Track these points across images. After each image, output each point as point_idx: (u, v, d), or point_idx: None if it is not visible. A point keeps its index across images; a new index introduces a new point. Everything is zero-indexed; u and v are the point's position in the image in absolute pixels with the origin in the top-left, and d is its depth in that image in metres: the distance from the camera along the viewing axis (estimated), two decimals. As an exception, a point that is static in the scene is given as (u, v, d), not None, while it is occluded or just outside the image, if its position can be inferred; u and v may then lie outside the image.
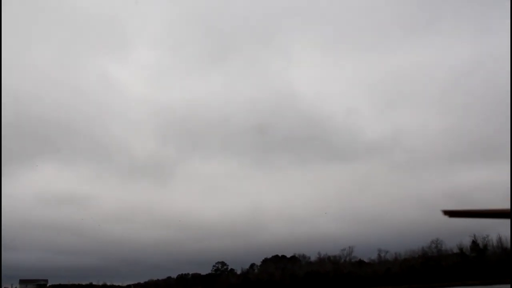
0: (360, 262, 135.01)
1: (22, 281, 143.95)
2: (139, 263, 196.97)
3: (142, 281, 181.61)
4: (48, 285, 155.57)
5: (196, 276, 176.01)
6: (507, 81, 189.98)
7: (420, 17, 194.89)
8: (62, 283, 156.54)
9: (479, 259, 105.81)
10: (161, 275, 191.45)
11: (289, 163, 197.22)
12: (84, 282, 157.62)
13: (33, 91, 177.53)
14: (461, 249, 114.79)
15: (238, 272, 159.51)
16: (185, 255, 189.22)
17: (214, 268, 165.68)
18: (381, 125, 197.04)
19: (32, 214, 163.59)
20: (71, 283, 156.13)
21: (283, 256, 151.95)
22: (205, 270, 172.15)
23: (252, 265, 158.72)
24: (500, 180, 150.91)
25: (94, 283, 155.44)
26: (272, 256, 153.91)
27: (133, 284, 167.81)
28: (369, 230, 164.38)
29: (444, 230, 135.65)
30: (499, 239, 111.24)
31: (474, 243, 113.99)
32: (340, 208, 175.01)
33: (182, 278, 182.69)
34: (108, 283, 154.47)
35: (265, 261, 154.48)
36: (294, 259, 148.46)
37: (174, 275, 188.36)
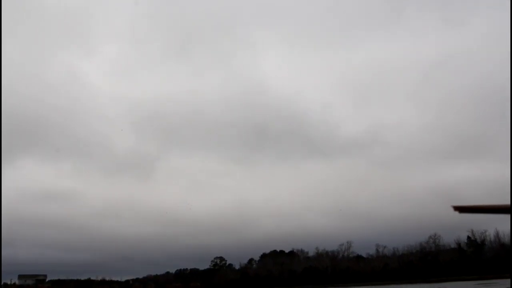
0: (358, 258, 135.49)
1: (21, 276, 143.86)
2: (134, 259, 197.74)
3: (140, 277, 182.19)
4: (47, 280, 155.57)
5: (195, 272, 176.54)
6: (478, 74, 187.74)
7: (386, 10, 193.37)
8: (60, 278, 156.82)
9: (477, 255, 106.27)
10: (159, 271, 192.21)
11: (269, 159, 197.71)
12: (78, 278, 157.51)
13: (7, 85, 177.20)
14: (458, 244, 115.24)
15: (237, 267, 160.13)
16: (180, 250, 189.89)
17: (213, 263, 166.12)
18: (358, 120, 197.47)
19: (18, 210, 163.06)
20: (69, 278, 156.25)
21: (281, 251, 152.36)
22: (204, 266, 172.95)
23: (251, 260, 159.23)
24: (484, 176, 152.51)
25: (92, 278, 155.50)
26: (270, 252, 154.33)
27: (131, 280, 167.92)
28: (357, 225, 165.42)
29: (442, 225, 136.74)
30: (497, 235, 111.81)
31: (471, 238, 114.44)
32: (327, 203, 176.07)
33: (181, 273, 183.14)
34: (107, 279, 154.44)
35: (264, 256, 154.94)
36: (292, 254, 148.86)
37: (172, 270, 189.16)
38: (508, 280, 64.83)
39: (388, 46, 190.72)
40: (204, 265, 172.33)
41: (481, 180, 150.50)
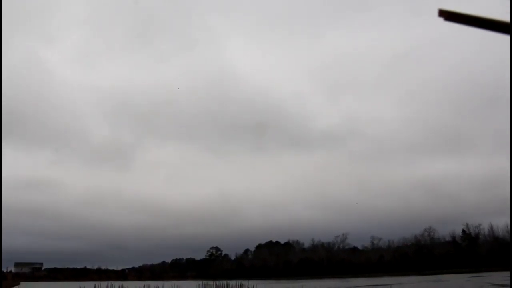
0: (354, 249, 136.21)
1: (17, 264, 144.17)
2: (127, 248, 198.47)
3: (136, 266, 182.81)
4: (43, 268, 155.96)
5: (191, 261, 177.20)
6: (450, 65, 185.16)
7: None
8: (57, 267, 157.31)
9: (471, 248, 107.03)
10: (155, 260, 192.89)
11: (244, 149, 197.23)
12: (74, 267, 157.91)
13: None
14: (453, 237, 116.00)
15: (232, 257, 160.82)
16: (170, 240, 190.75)
17: (208, 253, 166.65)
18: (331, 113, 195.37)
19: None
20: (65, 267, 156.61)
21: (277, 242, 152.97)
22: (199, 256, 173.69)
23: (246, 251, 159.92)
24: (465, 170, 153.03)
25: (88, 267, 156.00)
26: (266, 242, 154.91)
27: (127, 269, 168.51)
28: (339, 218, 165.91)
29: (437, 218, 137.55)
30: (491, 228, 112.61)
31: (466, 232, 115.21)
32: (311, 195, 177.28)
33: (177, 263, 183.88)
34: (103, 267, 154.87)
35: (259, 247, 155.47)
36: (288, 245, 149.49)
37: (168, 260, 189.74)
38: (502, 274, 65.36)
39: (354, 36, 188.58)
40: (200, 255, 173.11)
41: (461, 175, 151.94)
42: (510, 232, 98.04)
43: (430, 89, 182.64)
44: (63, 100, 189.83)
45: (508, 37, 2.74)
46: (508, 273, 62.83)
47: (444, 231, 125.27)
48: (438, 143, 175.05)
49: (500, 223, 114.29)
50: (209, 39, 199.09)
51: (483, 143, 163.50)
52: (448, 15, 2.82)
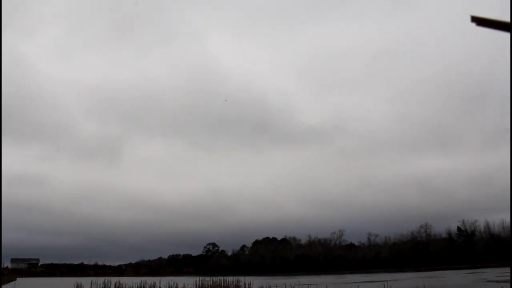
0: (350, 246, 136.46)
1: (13, 260, 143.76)
2: (121, 244, 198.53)
3: (133, 262, 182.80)
4: (39, 264, 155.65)
5: (187, 257, 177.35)
6: (432, 63, 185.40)
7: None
8: (53, 262, 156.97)
9: (467, 244, 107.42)
10: (151, 256, 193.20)
11: (232, 145, 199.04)
12: (71, 262, 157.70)
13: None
14: (449, 234, 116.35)
15: (229, 253, 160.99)
16: (164, 236, 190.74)
17: (205, 249, 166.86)
18: (319, 109, 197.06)
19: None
20: (62, 262, 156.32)
21: (274, 239, 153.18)
22: (196, 252, 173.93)
23: (243, 247, 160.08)
24: (454, 167, 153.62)
25: (85, 263, 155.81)
26: (263, 238, 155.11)
27: (124, 265, 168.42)
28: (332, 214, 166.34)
29: (433, 215, 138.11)
30: (487, 225, 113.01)
31: (461, 229, 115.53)
32: (302, 191, 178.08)
33: (173, 259, 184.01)
34: (100, 263, 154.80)
35: (256, 243, 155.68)
36: (284, 241, 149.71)
37: (165, 256, 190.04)
38: (497, 270, 65.71)
39: (336, 32, 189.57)
40: (197, 251, 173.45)
41: (451, 171, 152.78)
42: (510, 228, 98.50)
43: (415, 86, 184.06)
44: (46, 95, 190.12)
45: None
46: (503, 269, 63.26)
47: (439, 228, 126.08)
48: (427, 140, 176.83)
49: (496, 219, 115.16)
50: (191, 34, 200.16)
51: (470, 140, 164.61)
52: (479, 21, 2.91)
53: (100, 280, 40.82)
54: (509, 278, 41.87)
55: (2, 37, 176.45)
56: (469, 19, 2.85)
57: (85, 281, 42.18)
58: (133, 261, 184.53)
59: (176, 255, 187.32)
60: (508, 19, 2.90)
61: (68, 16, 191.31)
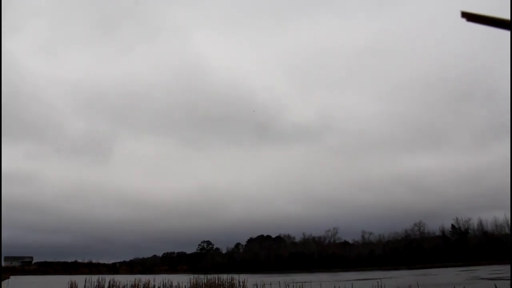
0: (344, 244, 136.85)
1: (7, 258, 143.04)
2: (115, 242, 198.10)
3: (127, 260, 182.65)
4: (33, 262, 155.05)
5: (182, 255, 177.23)
6: (420, 60, 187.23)
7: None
8: (47, 260, 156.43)
9: (461, 242, 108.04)
10: (146, 254, 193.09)
11: (220, 143, 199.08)
12: (65, 260, 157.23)
13: None
14: (443, 232, 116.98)
15: (224, 251, 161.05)
16: (157, 234, 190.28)
17: (200, 247, 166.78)
18: (305, 106, 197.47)
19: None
20: (56, 260, 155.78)
21: (268, 236, 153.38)
22: (191, 250, 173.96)
23: (237, 245, 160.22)
24: (444, 165, 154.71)
25: (79, 260, 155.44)
26: (257, 236, 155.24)
27: (118, 263, 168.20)
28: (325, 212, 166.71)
29: (426, 213, 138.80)
30: (480, 223, 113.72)
31: (455, 226, 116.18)
32: (292, 189, 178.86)
33: (168, 256, 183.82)
34: (94, 261, 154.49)
35: (250, 241, 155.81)
36: (279, 239, 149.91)
37: (159, 253, 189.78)
38: (490, 267, 66.14)
39: (321, 28, 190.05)
40: (191, 249, 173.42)
41: (440, 170, 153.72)
42: (510, 225, 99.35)
43: (404, 84, 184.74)
44: (33, 92, 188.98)
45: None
46: (496, 267, 63.69)
47: (432, 226, 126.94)
48: (416, 138, 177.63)
49: (489, 217, 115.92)
50: (176, 30, 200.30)
51: (460, 139, 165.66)
52: (470, 17, 2.88)
53: (94, 278, 40.63)
54: (502, 275, 42.18)
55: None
56: (458, 16, 2.83)
57: (79, 279, 41.97)
58: (127, 259, 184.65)
59: (170, 253, 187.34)
60: (500, 15, 2.87)
61: (52, 12, 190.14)
